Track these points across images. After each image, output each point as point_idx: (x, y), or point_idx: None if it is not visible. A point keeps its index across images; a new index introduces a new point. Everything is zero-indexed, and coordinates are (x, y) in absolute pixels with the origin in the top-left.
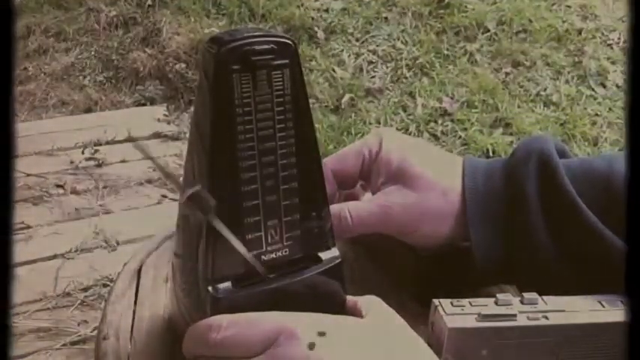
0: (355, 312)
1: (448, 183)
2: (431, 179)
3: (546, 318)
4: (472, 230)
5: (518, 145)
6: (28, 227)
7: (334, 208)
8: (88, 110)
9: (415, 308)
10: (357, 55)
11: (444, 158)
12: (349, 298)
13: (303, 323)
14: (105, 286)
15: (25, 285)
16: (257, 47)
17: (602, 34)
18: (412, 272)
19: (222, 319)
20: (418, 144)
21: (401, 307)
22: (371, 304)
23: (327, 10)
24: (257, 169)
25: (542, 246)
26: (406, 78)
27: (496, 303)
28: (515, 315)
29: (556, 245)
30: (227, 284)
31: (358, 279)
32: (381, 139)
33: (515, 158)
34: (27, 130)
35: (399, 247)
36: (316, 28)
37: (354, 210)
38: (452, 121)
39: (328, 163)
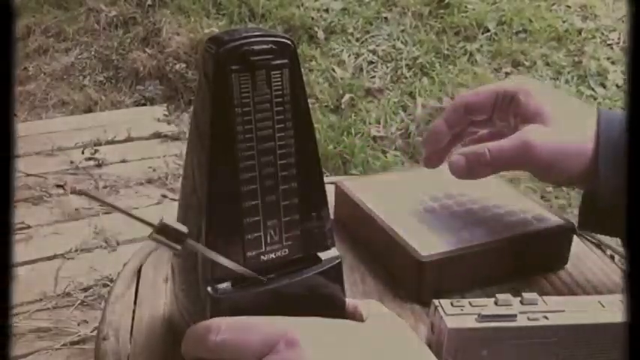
0: (356, 316)
1: (583, 128)
2: (569, 121)
3: (546, 318)
4: (602, 175)
5: None
6: (28, 227)
7: (474, 147)
8: (88, 110)
9: (415, 308)
10: (357, 55)
11: (580, 105)
12: (349, 301)
13: (303, 329)
14: (105, 286)
15: (25, 285)
16: (256, 47)
17: (602, 34)
18: (412, 273)
19: (222, 322)
20: (554, 91)
21: (401, 308)
22: (371, 307)
23: (327, 10)
24: (256, 169)
25: None
26: (406, 78)
27: (496, 303)
28: (515, 315)
29: None
30: (226, 284)
31: (358, 280)
32: (517, 83)
33: None
34: (27, 130)
35: (399, 248)
36: (316, 28)
37: (492, 146)
38: None
39: (463, 95)
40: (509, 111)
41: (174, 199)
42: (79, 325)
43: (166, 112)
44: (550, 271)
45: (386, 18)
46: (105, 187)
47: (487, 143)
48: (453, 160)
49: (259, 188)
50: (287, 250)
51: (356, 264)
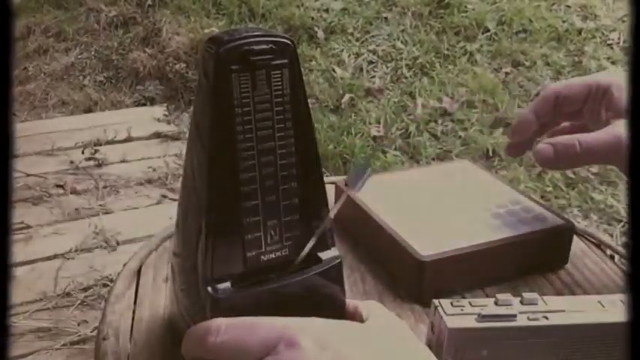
0: (356, 316)
1: None
2: None
3: (546, 318)
4: None
5: None
6: (28, 227)
7: (564, 137)
8: (88, 110)
9: (415, 308)
10: (357, 55)
11: None
12: (349, 301)
13: (303, 330)
14: (105, 286)
15: (25, 285)
16: (256, 47)
17: (602, 34)
18: (412, 273)
19: (222, 323)
20: None
21: (401, 308)
22: (371, 307)
23: (327, 10)
24: (256, 169)
25: None
26: (406, 78)
27: (496, 303)
28: (515, 315)
29: None
30: (226, 284)
31: (358, 280)
32: (611, 77)
33: None
34: (27, 130)
35: (399, 248)
36: (316, 28)
37: (582, 138)
38: (452, 121)
39: (554, 86)
40: (601, 104)
41: (174, 199)
42: (79, 325)
43: (166, 112)
44: (550, 271)
45: (386, 18)
46: (105, 187)
47: (577, 135)
48: (541, 148)
49: (259, 188)
50: (287, 250)
51: (356, 264)
